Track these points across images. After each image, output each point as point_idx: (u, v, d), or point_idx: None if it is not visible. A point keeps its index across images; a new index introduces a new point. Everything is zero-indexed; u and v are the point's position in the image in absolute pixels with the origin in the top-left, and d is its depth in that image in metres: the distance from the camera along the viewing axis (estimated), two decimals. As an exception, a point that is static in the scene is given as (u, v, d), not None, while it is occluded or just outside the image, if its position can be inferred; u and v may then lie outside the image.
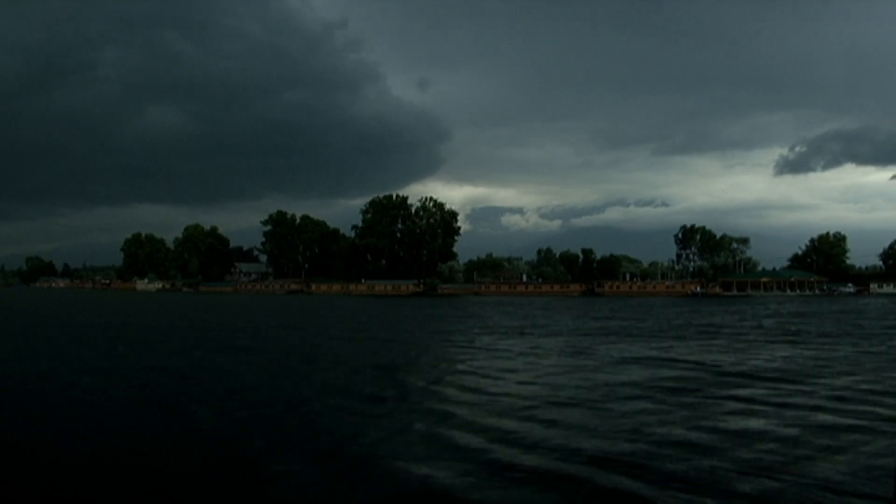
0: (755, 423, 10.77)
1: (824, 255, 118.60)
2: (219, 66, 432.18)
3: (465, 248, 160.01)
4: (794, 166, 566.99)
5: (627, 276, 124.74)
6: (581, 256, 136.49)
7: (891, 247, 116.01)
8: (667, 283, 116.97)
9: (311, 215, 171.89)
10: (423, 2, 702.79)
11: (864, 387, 14.20)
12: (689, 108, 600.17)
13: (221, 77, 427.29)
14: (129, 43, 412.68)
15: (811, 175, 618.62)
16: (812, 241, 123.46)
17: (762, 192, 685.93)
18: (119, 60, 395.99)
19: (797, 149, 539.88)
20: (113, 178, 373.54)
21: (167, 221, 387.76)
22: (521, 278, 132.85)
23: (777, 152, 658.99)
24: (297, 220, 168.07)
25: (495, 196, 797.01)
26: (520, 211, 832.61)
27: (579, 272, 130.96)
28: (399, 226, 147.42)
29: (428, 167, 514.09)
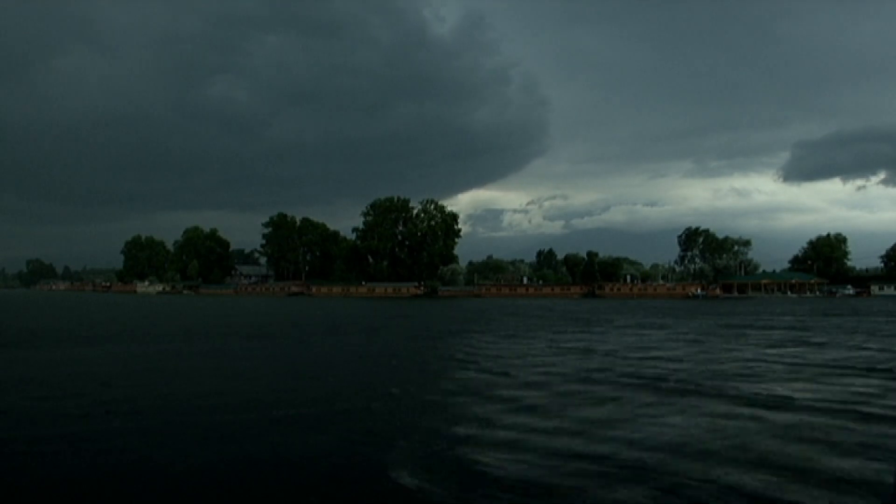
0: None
1: (824, 257, 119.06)
2: (340, 77, 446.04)
3: (468, 251, 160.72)
4: (800, 170, 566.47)
5: (628, 279, 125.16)
6: (585, 259, 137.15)
7: (893, 248, 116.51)
8: (668, 285, 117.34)
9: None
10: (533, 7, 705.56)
11: None
12: (707, 113, 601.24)
13: (339, 87, 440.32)
14: (260, 48, 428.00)
15: (816, 178, 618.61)
16: (810, 242, 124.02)
17: (769, 194, 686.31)
18: (250, 67, 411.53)
19: (806, 151, 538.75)
20: (205, 186, 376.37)
21: (233, 226, 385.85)
22: (522, 280, 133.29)
23: (786, 155, 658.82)
24: (298, 223, 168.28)
25: (503, 199, 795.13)
26: (524, 212, 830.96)
27: (581, 274, 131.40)
28: (400, 228, 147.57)
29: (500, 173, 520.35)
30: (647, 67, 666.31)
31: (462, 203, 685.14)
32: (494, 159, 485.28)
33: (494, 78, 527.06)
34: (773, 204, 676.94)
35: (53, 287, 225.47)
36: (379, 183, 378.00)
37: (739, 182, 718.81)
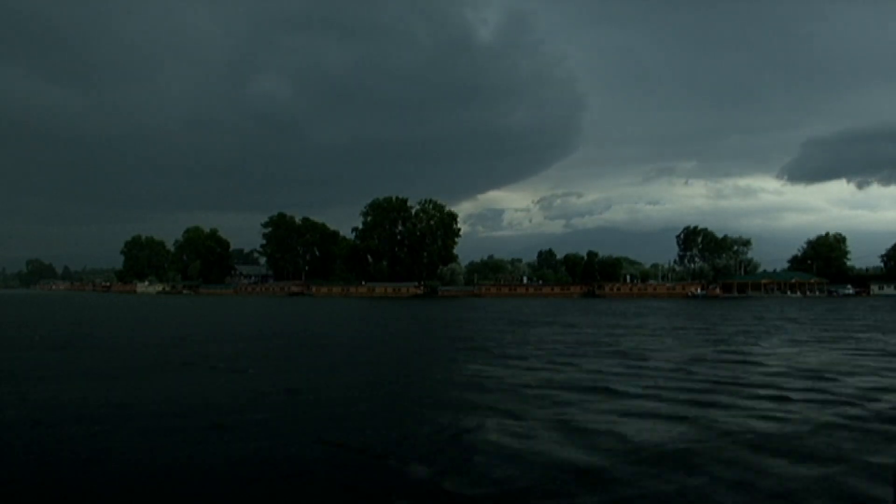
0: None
1: (823, 256, 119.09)
2: (382, 81, 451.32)
3: (469, 250, 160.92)
4: (806, 169, 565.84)
5: (628, 278, 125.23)
6: (585, 259, 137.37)
7: (893, 248, 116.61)
8: (667, 284, 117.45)
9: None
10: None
11: None
12: (720, 114, 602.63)
13: (377, 89, 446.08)
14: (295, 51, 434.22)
15: (821, 178, 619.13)
16: (809, 242, 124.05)
17: (774, 193, 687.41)
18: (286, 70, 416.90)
19: (813, 151, 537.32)
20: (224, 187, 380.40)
21: (236, 227, 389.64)
22: (522, 280, 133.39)
23: (791, 155, 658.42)
24: (298, 222, 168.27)
25: (507, 198, 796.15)
26: (524, 210, 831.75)
27: (581, 274, 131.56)
28: (399, 228, 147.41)
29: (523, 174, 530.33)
30: (668, 70, 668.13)
31: (478, 203, 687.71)
32: (525, 160, 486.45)
33: (534, 79, 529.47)
34: (777, 203, 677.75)
35: (53, 287, 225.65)
36: (399, 184, 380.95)
37: (744, 181, 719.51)
